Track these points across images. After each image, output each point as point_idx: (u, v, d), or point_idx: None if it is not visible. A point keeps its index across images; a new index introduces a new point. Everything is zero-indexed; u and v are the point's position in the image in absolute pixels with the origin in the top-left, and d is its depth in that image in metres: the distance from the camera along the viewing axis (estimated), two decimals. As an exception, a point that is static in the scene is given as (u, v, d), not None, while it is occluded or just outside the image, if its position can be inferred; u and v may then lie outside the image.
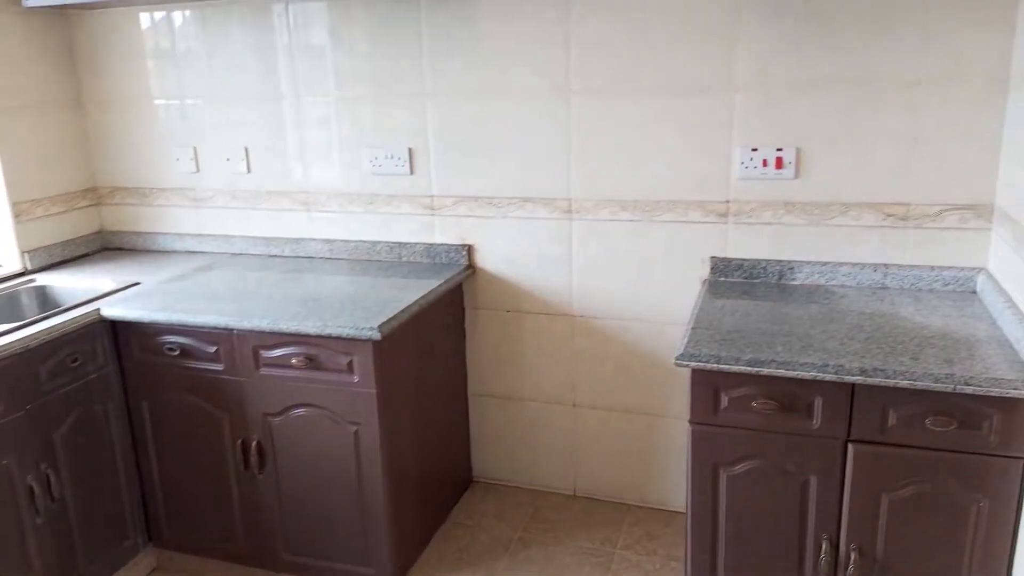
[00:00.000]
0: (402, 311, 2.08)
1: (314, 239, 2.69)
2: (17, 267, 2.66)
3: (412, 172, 2.53)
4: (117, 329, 2.24)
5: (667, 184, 2.28)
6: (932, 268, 2.09)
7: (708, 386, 1.74)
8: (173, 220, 2.86)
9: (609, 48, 2.24)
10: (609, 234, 2.38)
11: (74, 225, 2.86)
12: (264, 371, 2.11)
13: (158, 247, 2.89)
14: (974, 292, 2.07)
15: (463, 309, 2.61)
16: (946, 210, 2.06)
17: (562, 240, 2.43)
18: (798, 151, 2.14)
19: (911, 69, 2.00)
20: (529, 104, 2.35)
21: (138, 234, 2.91)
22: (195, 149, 2.75)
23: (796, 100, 2.11)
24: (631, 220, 2.34)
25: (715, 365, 1.69)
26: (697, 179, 2.25)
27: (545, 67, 2.31)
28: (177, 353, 2.19)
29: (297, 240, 2.71)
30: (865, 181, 2.10)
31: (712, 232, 2.27)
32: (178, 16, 2.64)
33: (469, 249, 2.53)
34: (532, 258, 2.48)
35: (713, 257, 2.28)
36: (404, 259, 2.60)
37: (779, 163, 2.15)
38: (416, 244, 2.57)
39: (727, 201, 2.24)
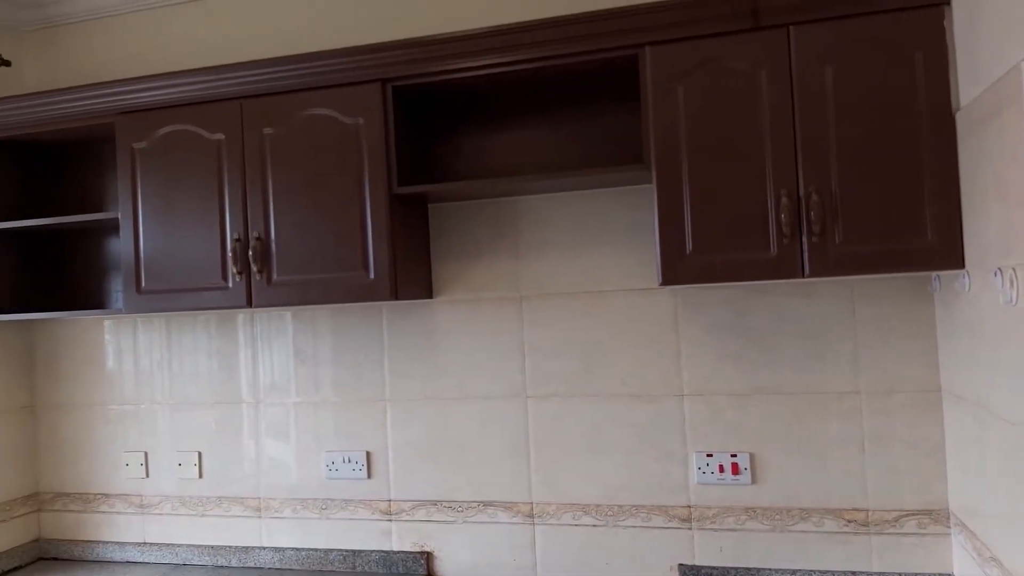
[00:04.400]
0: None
1: (264, 547, 2.57)
2: (-63, 589, 2.46)
3: (370, 476, 2.49)
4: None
5: (628, 488, 2.28)
6: None
7: None
8: (116, 528, 2.72)
9: (561, 357, 2.34)
10: (573, 540, 2.32)
11: (10, 535, 2.69)
12: None
13: (97, 557, 2.72)
14: (946, 601, 2.03)
15: (422, 622, 2.46)
16: (903, 516, 2.08)
17: (525, 547, 2.36)
18: (752, 456, 2.18)
19: (848, 381, 2.12)
20: (487, 408, 2.40)
21: (77, 543, 2.75)
22: (146, 454, 2.69)
23: (744, 407, 2.19)
24: (595, 525, 2.30)
25: None
26: (657, 483, 2.25)
27: (502, 374, 2.38)
28: None
29: (246, 549, 2.58)
30: (822, 487, 2.13)
31: (677, 538, 2.24)
32: (144, 324, 2.71)
33: (428, 557, 2.43)
34: (495, 568, 2.38)
35: (681, 565, 2.22)
36: (358, 569, 2.47)
37: (735, 468, 2.18)
38: (372, 552, 2.47)
39: (689, 506, 2.23)
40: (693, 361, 2.23)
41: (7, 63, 2.65)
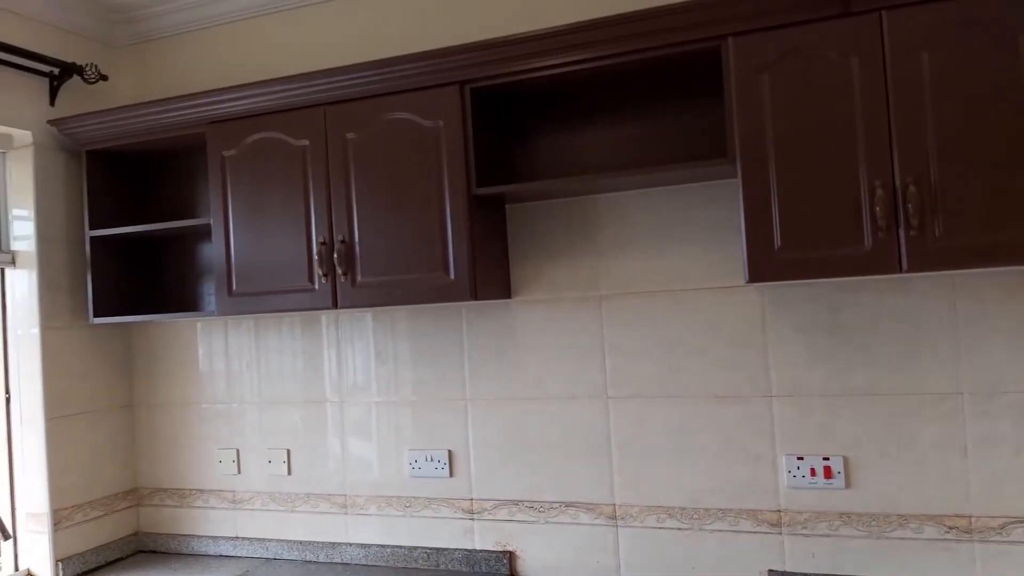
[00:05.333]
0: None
1: (351, 543, 2.62)
2: (48, 577, 2.61)
3: (452, 475, 2.51)
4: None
5: (714, 491, 2.23)
6: (1009, 587, 1.96)
7: None
8: (210, 522, 2.82)
9: (643, 357, 2.30)
10: (658, 543, 2.28)
11: (112, 529, 2.83)
12: None
13: (192, 550, 2.83)
14: (1061, 615, 1.91)
15: (505, 622, 2.46)
16: (1010, 523, 1.96)
17: (608, 549, 2.33)
18: (846, 460, 2.10)
19: (949, 381, 2.01)
20: (568, 409, 2.38)
21: (173, 536, 2.86)
22: (238, 451, 2.78)
23: (837, 409, 2.11)
24: (680, 528, 2.26)
25: None
26: (745, 486, 2.20)
27: (582, 374, 2.37)
28: None
29: (333, 545, 2.64)
30: (921, 492, 2.04)
31: (766, 543, 2.17)
32: (233, 325, 2.80)
33: (511, 557, 2.43)
34: (578, 569, 2.37)
35: (771, 571, 2.16)
36: (442, 567, 2.50)
37: (828, 472, 2.11)
38: (455, 551, 2.49)
39: (779, 510, 2.16)
40: (782, 361, 2.16)
41: (104, 78, 2.78)
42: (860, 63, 1.80)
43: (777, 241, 1.84)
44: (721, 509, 2.22)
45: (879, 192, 1.76)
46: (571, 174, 2.32)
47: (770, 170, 1.85)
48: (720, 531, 2.22)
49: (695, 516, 2.25)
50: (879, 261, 1.77)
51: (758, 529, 2.18)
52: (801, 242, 1.83)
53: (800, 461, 2.13)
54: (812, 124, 1.83)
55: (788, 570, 2.15)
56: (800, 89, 1.84)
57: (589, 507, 2.36)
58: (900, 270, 1.76)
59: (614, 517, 2.33)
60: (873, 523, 2.07)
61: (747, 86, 1.88)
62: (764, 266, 1.85)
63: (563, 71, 2.09)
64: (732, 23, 1.89)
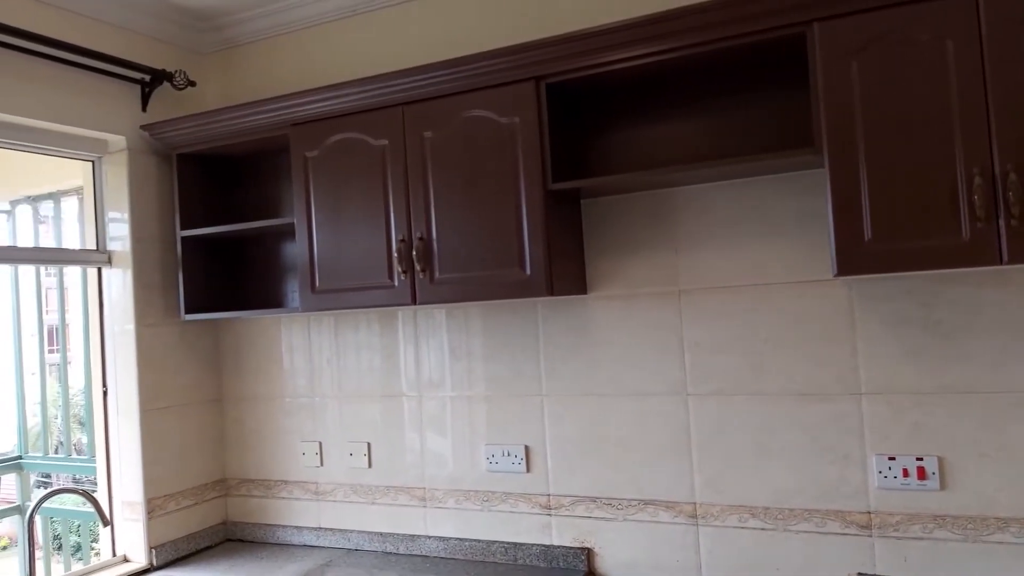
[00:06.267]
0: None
1: (430, 536, 2.66)
2: (143, 563, 2.73)
3: (529, 470, 2.52)
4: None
5: (799, 491, 2.17)
6: (1123, 597, 1.84)
7: None
8: (294, 513, 2.91)
9: (724, 353, 2.26)
10: (740, 543, 2.24)
11: (201, 517, 2.95)
12: None
13: (277, 540, 2.92)
14: None
15: (583, 618, 2.45)
16: None
17: (689, 548, 2.30)
18: (940, 460, 2.01)
19: (1055, 378, 1.91)
20: (646, 405, 2.36)
21: (259, 526, 2.96)
22: (320, 444, 2.86)
23: (930, 408, 2.02)
24: (763, 528, 2.21)
25: None
26: (832, 487, 2.13)
27: (661, 370, 2.34)
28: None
29: (412, 537, 2.68)
30: (1022, 495, 1.93)
31: (855, 546, 2.10)
32: (315, 322, 2.88)
33: (588, 553, 2.42)
34: (658, 568, 2.34)
35: (860, 574, 2.09)
36: (519, 561, 2.51)
37: (921, 473, 2.02)
38: (532, 546, 2.49)
39: (869, 512, 2.09)
40: (871, 358, 2.08)
41: (192, 83, 2.89)
42: (955, 45, 1.72)
43: (867, 232, 1.78)
44: (807, 510, 2.16)
45: (977, 180, 1.68)
46: (646, 167, 2.29)
47: (860, 159, 1.79)
48: (806, 532, 2.16)
49: (779, 516, 2.19)
50: (977, 253, 1.69)
51: (846, 531, 2.11)
52: (893, 233, 1.76)
53: (891, 461, 2.06)
54: (904, 110, 1.76)
55: (879, 574, 2.08)
56: (891, 74, 1.77)
57: (669, 505, 2.33)
58: (1000, 262, 1.68)
59: (695, 516, 2.30)
60: (970, 526, 1.98)
61: (834, 73, 1.82)
62: (854, 259, 1.79)
63: (641, 63, 2.07)
64: (818, 8, 1.83)
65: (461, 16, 2.63)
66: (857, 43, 1.80)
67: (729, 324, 2.25)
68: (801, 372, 2.17)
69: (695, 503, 2.30)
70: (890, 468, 2.06)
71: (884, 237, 1.77)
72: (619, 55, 2.07)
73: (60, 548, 3.98)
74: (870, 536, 2.09)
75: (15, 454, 3.93)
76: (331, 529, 2.83)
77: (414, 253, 2.30)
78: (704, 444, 2.28)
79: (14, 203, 3.82)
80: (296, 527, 2.89)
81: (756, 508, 2.22)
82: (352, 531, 2.79)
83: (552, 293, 2.17)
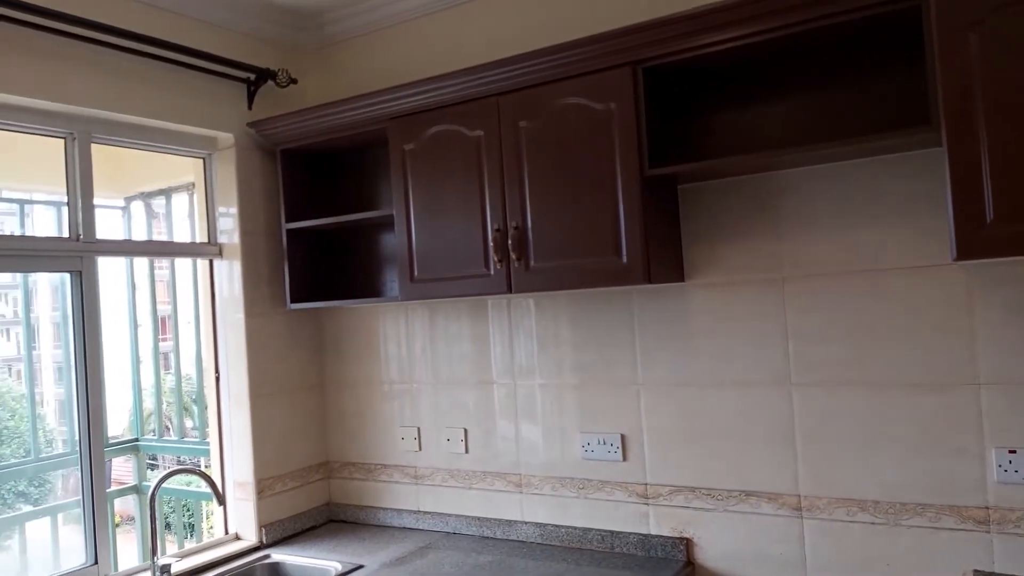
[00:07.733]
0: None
1: (526, 522, 2.69)
2: (254, 541, 2.86)
3: (625, 459, 2.51)
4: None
5: (911, 485, 2.08)
6: None
7: None
8: (393, 496, 2.99)
9: (830, 342, 2.19)
10: (847, 538, 2.17)
11: (306, 499, 3.07)
12: None
13: (378, 522, 3.01)
14: None
15: (682, 608, 2.43)
16: None
17: (793, 541, 2.25)
18: (1069, 455, 1.90)
19: None
20: (746, 395, 2.31)
21: (360, 508, 3.06)
22: (418, 429, 2.93)
23: (1058, 399, 1.91)
24: (872, 523, 2.14)
25: None
26: (946, 481, 2.04)
27: (762, 360, 2.29)
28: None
29: (509, 523, 2.72)
30: None
31: (972, 542, 2.01)
32: (411, 311, 2.94)
33: (687, 544, 2.40)
34: (759, 560, 2.30)
35: (977, 572, 2.00)
36: (617, 550, 2.51)
37: (1046, 468, 1.92)
38: (630, 535, 2.49)
39: (987, 507, 1.99)
40: (991, 346, 1.98)
41: (295, 81, 2.99)
42: (1087, 13, 1.61)
43: (989, 214, 1.69)
44: (919, 504, 2.08)
45: (1115, 156, 1.57)
46: (747, 151, 2.24)
47: (980, 136, 1.70)
48: (918, 527, 2.08)
49: (890, 511, 2.11)
50: (1115, 233, 1.59)
51: (962, 527, 2.02)
52: (1017, 214, 1.67)
53: (1012, 455, 1.95)
54: (1029, 83, 1.66)
55: (997, 571, 1.98)
56: (1013, 47, 1.67)
57: (771, 497, 2.28)
58: None
59: (799, 508, 2.24)
60: (1103, 525, 1.87)
61: (952, 47, 1.73)
62: (975, 242, 1.70)
63: (742, 43, 2.02)
64: (934, -21, 1.75)
65: (554, 4, 2.62)
66: (976, 15, 1.71)
67: (835, 312, 2.18)
68: (912, 362, 2.08)
69: (799, 495, 2.24)
70: (1011, 462, 1.95)
71: (1007, 218, 1.67)
72: (718, 36, 2.03)
73: (168, 527, 4.21)
74: (988, 532, 1.99)
75: (130, 437, 4.19)
76: (430, 512, 2.90)
77: (509, 242, 2.32)
78: (809, 436, 2.22)
79: (128, 199, 4.05)
80: (396, 510, 2.98)
81: (865, 502, 2.15)
82: (450, 515, 2.85)
83: (650, 281, 2.15)
